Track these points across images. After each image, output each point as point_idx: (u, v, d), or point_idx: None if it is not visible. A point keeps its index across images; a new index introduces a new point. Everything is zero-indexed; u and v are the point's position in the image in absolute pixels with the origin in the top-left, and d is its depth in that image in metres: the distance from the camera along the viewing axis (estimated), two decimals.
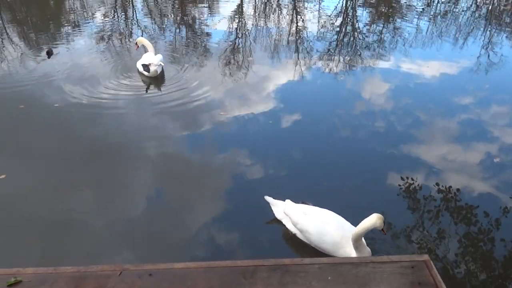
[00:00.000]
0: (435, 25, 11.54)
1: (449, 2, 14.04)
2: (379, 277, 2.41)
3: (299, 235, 3.88)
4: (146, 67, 7.07)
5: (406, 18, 12.02)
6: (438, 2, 14.12)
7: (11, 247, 3.79)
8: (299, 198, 4.15)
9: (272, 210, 4.11)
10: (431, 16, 12.48)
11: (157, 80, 7.28)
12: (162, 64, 7.32)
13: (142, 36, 9.20)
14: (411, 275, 2.43)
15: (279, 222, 4.05)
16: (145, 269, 2.47)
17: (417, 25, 11.31)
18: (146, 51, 7.53)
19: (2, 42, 9.40)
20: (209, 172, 4.93)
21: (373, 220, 3.32)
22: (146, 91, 6.98)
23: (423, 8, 13.30)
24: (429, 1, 14.14)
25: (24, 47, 9.05)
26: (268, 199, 4.13)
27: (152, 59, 7.13)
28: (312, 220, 3.77)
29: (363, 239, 3.51)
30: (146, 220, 4.17)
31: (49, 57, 8.06)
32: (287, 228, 3.98)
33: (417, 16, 12.22)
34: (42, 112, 6.13)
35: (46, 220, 4.09)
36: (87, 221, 4.10)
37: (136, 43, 7.65)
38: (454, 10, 13.37)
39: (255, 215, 4.24)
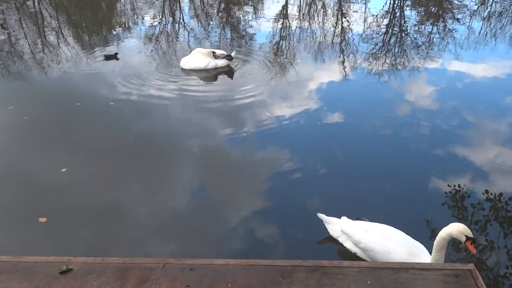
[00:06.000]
0: (489, 26, 11.02)
1: (504, 1, 13.35)
2: (420, 284, 2.35)
3: (360, 254, 3.61)
4: (229, 56, 7.91)
5: (458, 18, 11.56)
6: (493, 1, 13.46)
7: (65, 235, 4.02)
8: (346, 204, 4.05)
9: (326, 228, 3.84)
10: (485, 16, 11.93)
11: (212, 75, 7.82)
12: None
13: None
14: (454, 284, 2.35)
15: (334, 240, 3.79)
16: (187, 263, 2.55)
17: (469, 25, 10.85)
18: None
19: (58, 43, 9.94)
20: (254, 172, 4.94)
21: (448, 229, 3.06)
22: (232, 77, 7.74)
23: (476, 8, 12.74)
24: (483, 1, 13.51)
25: (79, 48, 9.53)
26: (322, 216, 3.83)
27: (222, 51, 8.03)
28: (375, 237, 3.53)
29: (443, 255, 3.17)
30: (189, 214, 4.30)
31: (112, 60, 8.47)
32: (345, 247, 3.71)
33: (469, 16, 11.73)
34: (98, 110, 6.43)
35: (99, 211, 4.31)
36: (134, 213, 4.28)
37: (215, 52, 7.90)
38: (510, 9, 12.69)
39: (299, 218, 4.19)
